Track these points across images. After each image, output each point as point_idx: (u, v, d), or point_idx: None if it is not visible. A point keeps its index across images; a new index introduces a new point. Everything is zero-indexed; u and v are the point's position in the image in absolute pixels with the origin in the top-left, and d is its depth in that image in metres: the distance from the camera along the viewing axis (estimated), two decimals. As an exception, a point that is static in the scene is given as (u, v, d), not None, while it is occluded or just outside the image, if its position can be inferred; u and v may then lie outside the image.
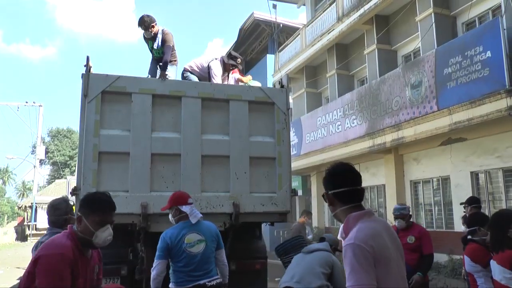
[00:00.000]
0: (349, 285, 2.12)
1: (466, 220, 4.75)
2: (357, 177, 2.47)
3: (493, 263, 3.74)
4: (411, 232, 5.91)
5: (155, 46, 7.26)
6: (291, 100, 21.30)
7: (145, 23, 7.16)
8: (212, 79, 7.19)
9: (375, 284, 2.11)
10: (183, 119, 6.08)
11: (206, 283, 4.41)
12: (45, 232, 4.18)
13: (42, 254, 2.68)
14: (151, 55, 7.52)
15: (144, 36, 7.38)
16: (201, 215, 4.73)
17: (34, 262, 2.68)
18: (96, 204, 2.90)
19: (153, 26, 7.19)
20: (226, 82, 7.59)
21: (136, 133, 5.88)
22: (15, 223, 47.19)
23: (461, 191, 11.79)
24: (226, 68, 7.61)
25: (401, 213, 5.96)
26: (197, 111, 6.11)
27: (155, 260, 4.55)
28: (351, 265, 2.15)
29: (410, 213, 6.06)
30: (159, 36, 7.20)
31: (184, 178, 5.90)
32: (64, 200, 4.31)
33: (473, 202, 6.79)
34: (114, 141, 5.83)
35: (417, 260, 5.74)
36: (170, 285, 4.54)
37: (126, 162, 5.84)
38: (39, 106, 32.36)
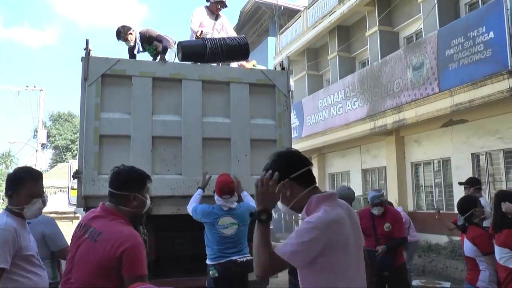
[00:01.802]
0: (288, 241, 2.10)
1: (458, 208, 4.63)
2: (305, 158, 2.37)
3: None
4: (387, 218, 5.83)
5: (135, 52, 7.17)
6: (292, 83, 21.24)
7: (121, 34, 7.12)
8: (190, 24, 7.09)
9: (311, 252, 2.06)
10: (184, 102, 6.07)
11: (238, 259, 4.81)
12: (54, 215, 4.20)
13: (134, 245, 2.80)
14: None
15: (130, 50, 7.28)
16: (234, 205, 5.01)
17: None
18: (143, 177, 3.03)
19: (131, 34, 7.11)
20: (214, 28, 7.27)
21: (136, 116, 5.89)
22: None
23: (461, 173, 11.80)
24: (212, 10, 7.26)
25: (381, 200, 5.83)
26: (197, 94, 6.10)
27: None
28: (299, 231, 2.11)
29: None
30: (137, 41, 7.12)
31: (185, 161, 5.92)
32: None
33: (474, 184, 6.79)
34: (115, 124, 5.83)
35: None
36: (207, 260, 4.97)
37: (127, 145, 5.85)
38: (40, 90, 32.31)
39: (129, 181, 2.90)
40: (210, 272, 4.86)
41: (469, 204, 4.43)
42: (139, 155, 5.84)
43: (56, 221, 4.55)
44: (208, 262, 4.96)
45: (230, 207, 4.97)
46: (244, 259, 4.86)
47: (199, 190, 5.47)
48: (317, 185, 2.36)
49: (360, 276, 2.26)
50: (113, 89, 5.91)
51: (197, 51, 6.30)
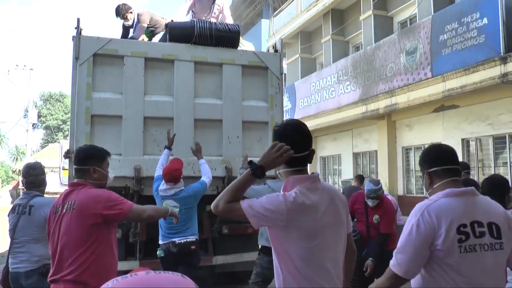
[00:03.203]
0: (256, 201, 2.19)
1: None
2: (310, 140, 2.39)
3: None
4: (378, 210, 5.63)
5: (131, 33, 7.06)
6: (285, 66, 21.16)
7: (121, 11, 7.02)
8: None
9: (268, 221, 2.18)
10: (176, 82, 6.06)
11: (176, 241, 4.96)
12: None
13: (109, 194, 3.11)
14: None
15: (124, 26, 7.20)
16: (178, 189, 5.07)
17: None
18: (101, 152, 3.31)
19: (131, 12, 7.03)
20: (211, 12, 7.31)
21: (128, 96, 5.87)
22: (9, 187, 47.26)
23: (452, 158, 11.87)
24: None
25: (377, 195, 5.59)
26: (190, 75, 6.09)
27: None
28: (270, 197, 2.20)
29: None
30: (136, 22, 7.01)
31: (176, 141, 5.91)
32: (38, 162, 4.60)
33: (464, 168, 6.85)
34: (107, 104, 5.82)
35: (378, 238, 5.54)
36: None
37: (119, 125, 5.85)
38: (30, 69, 31.99)
39: (88, 157, 3.23)
40: (158, 252, 5.13)
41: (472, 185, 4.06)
42: (131, 136, 5.84)
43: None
44: (159, 242, 5.20)
45: (174, 191, 5.04)
46: (183, 240, 4.97)
47: (166, 150, 5.52)
48: (305, 168, 2.39)
49: (329, 260, 2.28)
50: (104, 69, 5.88)
51: (184, 32, 6.23)
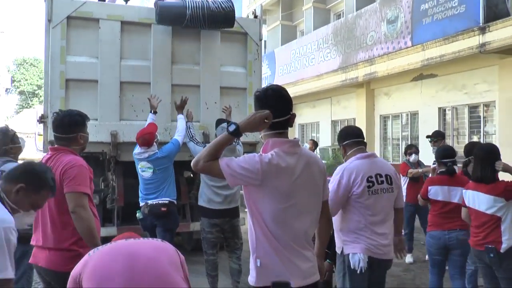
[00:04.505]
0: (234, 160, 2.29)
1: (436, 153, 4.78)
2: (290, 104, 2.48)
3: (484, 195, 3.82)
4: None
5: None
6: (265, 33, 20.96)
7: None
8: None
9: (243, 180, 2.27)
10: (153, 47, 5.96)
11: (149, 202, 5.07)
12: None
13: (72, 166, 3.01)
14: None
15: None
16: (152, 152, 5.10)
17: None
18: (85, 118, 3.31)
19: None
20: None
21: (104, 60, 5.76)
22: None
23: (428, 126, 12.04)
24: None
25: None
26: (167, 39, 5.98)
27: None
28: (248, 157, 2.30)
29: None
30: None
31: (153, 107, 5.86)
32: (5, 126, 4.60)
33: (440, 136, 6.95)
34: (82, 68, 5.70)
35: None
36: None
37: (94, 90, 5.75)
38: (1, 32, 31.06)
39: (74, 124, 3.20)
40: (137, 214, 5.25)
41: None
42: (107, 100, 5.76)
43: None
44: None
45: (149, 154, 5.09)
46: (154, 202, 5.07)
47: (151, 115, 5.51)
48: (286, 131, 2.45)
49: (302, 223, 2.36)
50: (79, 32, 5.74)
51: (176, 14, 5.76)
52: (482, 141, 10.81)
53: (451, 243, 4.40)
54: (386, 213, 3.44)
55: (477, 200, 3.87)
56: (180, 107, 5.60)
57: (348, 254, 3.36)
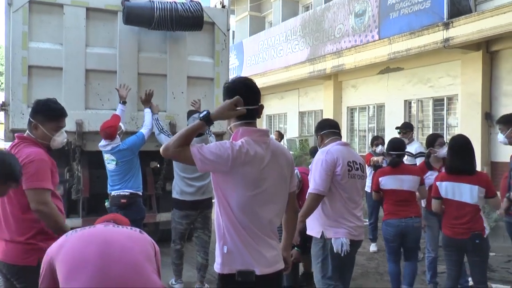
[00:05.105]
0: (205, 147, 2.31)
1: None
2: (258, 95, 2.52)
3: (467, 186, 3.97)
4: (301, 197, 4.72)
5: None
6: (234, 23, 20.88)
7: None
8: None
9: (209, 164, 2.28)
10: (120, 35, 5.86)
11: (111, 193, 5.16)
12: None
13: (31, 160, 2.86)
14: None
15: None
16: (115, 145, 5.10)
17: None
18: (54, 113, 3.10)
19: None
20: None
21: (69, 47, 5.63)
22: None
23: (394, 118, 12.30)
24: None
25: None
26: (134, 27, 5.87)
27: None
28: (219, 143, 2.34)
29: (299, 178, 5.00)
30: None
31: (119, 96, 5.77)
32: None
33: (408, 128, 7.09)
34: (45, 55, 5.56)
35: None
36: None
37: (59, 78, 5.62)
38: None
39: (38, 111, 3.08)
40: (106, 203, 5.31)
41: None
42: (72, 89, 5.64)
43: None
44: None
45: (112, 146, 5.11)
46: (116, 193, 5.12)
47: (120, 105, 5.50)
48: (254, 121, 2.50)
49: (268, 213, 2.40)
50: (42, 18, 5.58)
51: (143, 16, 5.59)
52: (445, 133, 11.12)
53: (406, 230, 4.63)
54: (360, 197, 3.79)
55: (457, 191, 4.03)
56: (146, 101, 5.58)
57: (331, 239, 3.57)
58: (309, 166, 3.91)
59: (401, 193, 4.67)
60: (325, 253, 3.61)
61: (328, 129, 3.92)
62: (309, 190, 3.63)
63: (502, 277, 5.77)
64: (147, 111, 5.55)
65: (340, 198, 3.61)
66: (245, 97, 2.37)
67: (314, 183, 3.60)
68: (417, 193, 4.80)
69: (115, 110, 5.50)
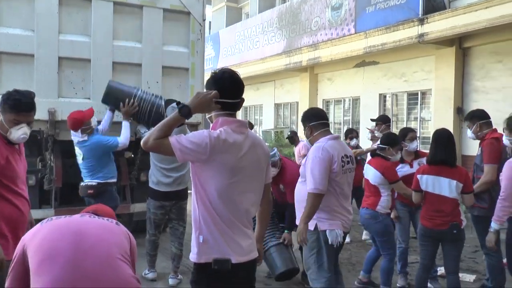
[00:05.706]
0: (183, 137, 2.32)
1: (382, 137, 5.06)
2: (241, 88, 2.52)
3: (446, 180, 4.06)
4: (283, 179, 5.20)
5: None
6: (210, 14, 20.74)
7: None
8: None
9: (199, 154, 2.29)
10: (94, 22, 5.74)
11: (81, 183, 5.14)
12: None
13: None
14: None
15: None
16: (82, 139, 5.01)
17: None
18: (10, 103, 2.97)
19: None
20: None
21: (41, 34, 5.49)
22: None
23: (369, 111, 12.46)
24: None
25: (272, 161, 4.79)
26: (108, 15, 5.77)
27: None
28: (197, 133, 2.36)
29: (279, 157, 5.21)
30: None
31: (94, 85, 5.69)
32: None
33: (385, 121, 7.17)
34: (16, 41, 5.41)
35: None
36: None
37: (31, 65, 5.49)
38: None
39: (1, 99, 3.01)
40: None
41: (392, 139, 4.89)
42: (44, 76, 5.52)
43: None
44: None
45: (78, 140, 5.04)
46: (84, 184, 5.11)
47: (109, 112, 5.49)
48: (235, 113, 2.53)
49: (244, 202, 2.43)
50: (11, 3, 5.43)
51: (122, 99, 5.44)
52: (418, 127, 11.31)
53: (362, 220, 4.93)
54: (350, 190, 3.83)
55: (437, 184, 4.10)
56: (126, 113, 5.36)
57: (325, 231, 3.62)
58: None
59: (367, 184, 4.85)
60: (320, 245, 3.65)
61: (317, 120, 3.78)
62: (309, 190, 3.55)
63: (468, 267, 5.92)
64: (126, 124, 5.33)
65: (334, 193, 3.63)
66: (230, 89, 2.43)
67: (314, 182, 3.53)
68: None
69: (89, 99, 5.40)
